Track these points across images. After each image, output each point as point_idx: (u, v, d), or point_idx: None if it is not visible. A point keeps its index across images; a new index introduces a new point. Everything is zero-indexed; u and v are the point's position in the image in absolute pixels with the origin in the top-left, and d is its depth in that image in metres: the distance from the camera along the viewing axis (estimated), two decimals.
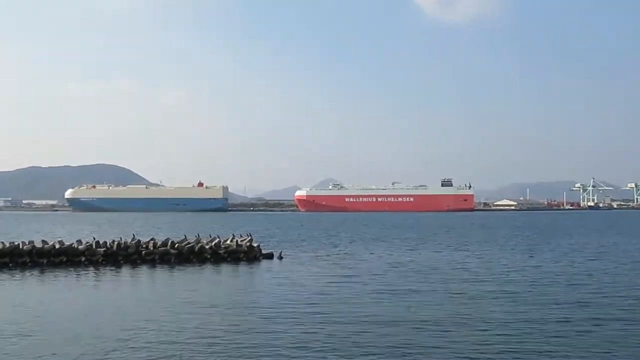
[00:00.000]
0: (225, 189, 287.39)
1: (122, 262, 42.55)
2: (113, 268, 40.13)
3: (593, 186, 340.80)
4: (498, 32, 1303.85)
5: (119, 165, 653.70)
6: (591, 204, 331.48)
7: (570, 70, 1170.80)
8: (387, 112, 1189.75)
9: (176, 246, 44.51)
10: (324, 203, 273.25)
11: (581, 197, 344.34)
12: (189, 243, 45.65)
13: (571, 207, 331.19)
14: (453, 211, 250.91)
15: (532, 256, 48.65)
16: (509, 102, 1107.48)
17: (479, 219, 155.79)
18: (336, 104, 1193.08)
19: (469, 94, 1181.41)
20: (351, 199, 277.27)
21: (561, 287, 31.37)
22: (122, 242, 44.90)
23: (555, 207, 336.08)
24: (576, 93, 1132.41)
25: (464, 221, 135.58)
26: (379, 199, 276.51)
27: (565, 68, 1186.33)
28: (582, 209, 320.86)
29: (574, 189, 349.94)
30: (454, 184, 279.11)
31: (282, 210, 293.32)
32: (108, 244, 44.43)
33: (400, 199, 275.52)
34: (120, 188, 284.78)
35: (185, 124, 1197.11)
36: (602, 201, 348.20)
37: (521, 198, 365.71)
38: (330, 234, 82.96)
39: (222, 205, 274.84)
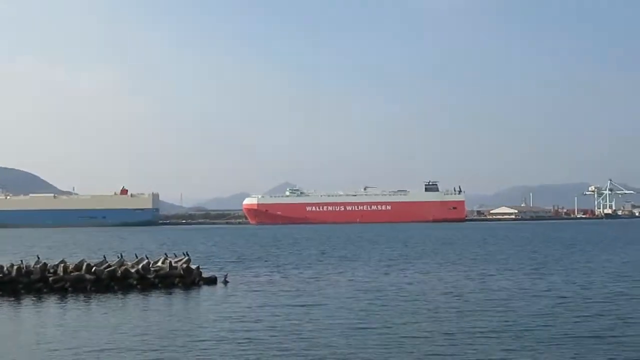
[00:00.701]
0: (155, 197, 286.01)
1: (22, 291, 42.19)
2: (11, 299, 39.73)
3: (610, 190, 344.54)
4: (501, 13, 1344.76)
5: (22, 170, 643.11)
6: (608, 211, 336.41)
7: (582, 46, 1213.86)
8: (355, 100, 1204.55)
9: (93, 270, 44.45)
10: (279, 213, 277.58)
11: (596, 203, 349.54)
12: (109, 266, 45.69)
13: (584, 216, 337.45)
14: (440, 222, 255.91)
15: (540, 277, 49.87)
16: (505, 86, 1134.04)
17: (472, 231, 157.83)
18: (292, 90, 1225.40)
19: (455, 76, 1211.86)
20: (313, 208, 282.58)
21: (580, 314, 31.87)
22: (24, 266, 44.50)
23: (564, 215, 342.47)
24: (590, 75, 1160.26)
25: (454, 235, 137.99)
26: (349, 208, 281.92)
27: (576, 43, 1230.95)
28: (597, 217, 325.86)
29: (587, 193, 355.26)
30: (440, 189, 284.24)
31: (227, 223, 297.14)
32: (5, 268, 43.98)
33: (374, 207, 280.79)
34: (21, 197, 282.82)
35: (107, 115, 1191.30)
36: (622, 208, 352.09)
37: (523, 204, 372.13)
38: (289, 251, 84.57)
39: (151, 218, 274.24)
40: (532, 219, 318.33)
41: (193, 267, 47.15)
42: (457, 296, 39.48)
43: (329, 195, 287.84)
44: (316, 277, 51.33)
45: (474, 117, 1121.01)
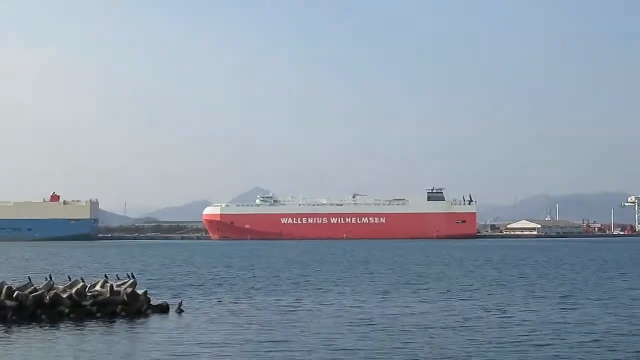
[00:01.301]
0: (94, 205, 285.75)
1: None
2: None
3: None
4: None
5: None
6: None
7: None
8: (341, 85, 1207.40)
9: (15, 295, 43.72)
10: (248, 227, 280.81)
11: (637, 217, 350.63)
12: (35, 290, 44.98)
13: (622, 232, 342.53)
14: (446, 238, 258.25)
15: (573, 308, 49.37)
16: (523, 77, 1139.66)
17: (486, 250, 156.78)
18: (258, 72, 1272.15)
19: (460, 60, 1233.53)
20: (290, 220, 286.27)
21: None
22: None
23: (598, 232, 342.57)
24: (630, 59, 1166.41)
25: (464, 255, 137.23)
26: (334, 220, 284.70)
27: None
28: (639, 234, 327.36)
29: (626, 205, 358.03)
30: (446, 197, 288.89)
31: (184, 238, 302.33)
32: None
33: (365, 220, 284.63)
34: None
35: (38, 106, 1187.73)
36: None
37: (547, 218, 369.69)
38: (262, 274, 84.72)
39: (90, 231, 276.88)
40: (558, 235, 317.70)
41: (140, 292, 47.07)
42: (469, 331, 38.80)
43: (309, 205, 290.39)
44: (294, 307, 50.99)
45: (486, 114, 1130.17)
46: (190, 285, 68.70)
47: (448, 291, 61.56)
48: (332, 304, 52.10)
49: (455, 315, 45.66)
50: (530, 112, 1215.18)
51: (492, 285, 68.20)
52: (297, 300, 55.07)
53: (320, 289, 64.58)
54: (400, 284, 69.72)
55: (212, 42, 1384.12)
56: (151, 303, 47.05)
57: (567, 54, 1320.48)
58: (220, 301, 54.29)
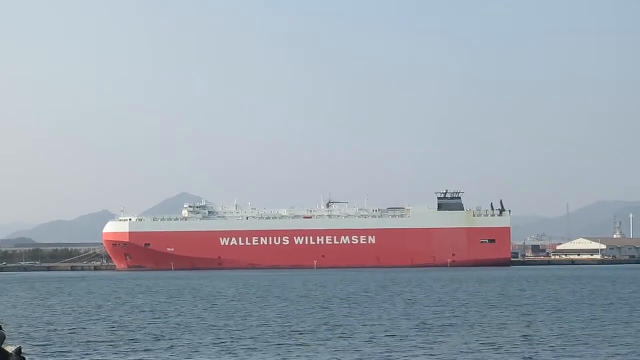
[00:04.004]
0: None
1: None
2: None
3: None
4: None
5: None
6: None
7: None
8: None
9: None
10: (170, 250, 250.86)
11: None
12: None
13: None
14: (466, 265, 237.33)
15: None
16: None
17: (532, 285, 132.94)
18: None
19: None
20: (233, 241, 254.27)
21: None
22: None
23: None
24: None
25: (501, 290, 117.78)
26: (298, 240, 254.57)
27: None
28: None
29: None
30: (466, 205, 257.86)
31: (74, 268, 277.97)
32: None
33: (345, 239, 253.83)
34: None
35: None
36: None
37: (616, 234, 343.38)
38: (190, 326, 69.94)
39: None
40: (631, 260, 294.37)
41: (10, 349, 36.52)
42: None
43: (261, 218, 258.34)
44: None
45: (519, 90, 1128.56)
46: (82, 342, 58.92)
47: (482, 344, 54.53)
48: None
49: None
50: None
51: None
52: None
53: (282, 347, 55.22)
54: (405, 336, 59.61)
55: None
56: None
57: None
58: None
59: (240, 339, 61.13)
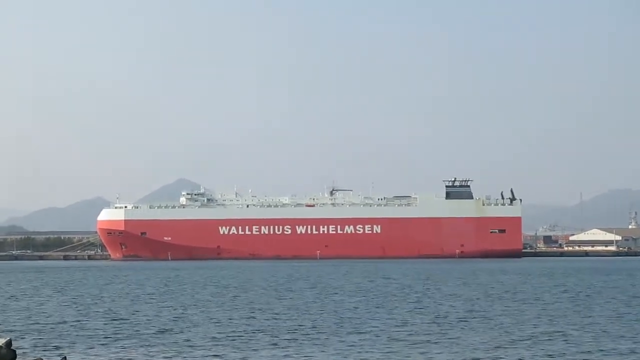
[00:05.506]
0: None
1: None
2: None
3: None
4: None
5: None
6: None
7: None
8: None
9: None
10: (167, 239, 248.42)
11: None
12: None
13: None
14: (475, 257, 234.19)
15: None
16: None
17: (549, 280, 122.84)
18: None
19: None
20: (233, 230, 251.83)
21: None
22: None
23: None
24: None
25: (517, 286, 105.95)
26: (301, 229, 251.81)
27: None
28: None
29: None
30: (475, 194, 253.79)
31: (67, 257, 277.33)
32: None
33: (350, 229, 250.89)
34: None
35: None
36: None
37: (631, 225, 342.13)
38: (196, 316, 68.92)
39: None
40: None
41: (0, 341, 38.60)
42: None
43: (262, 206, 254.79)
44: None
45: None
46: (83, 334, 56.94)
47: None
48: None
49: None
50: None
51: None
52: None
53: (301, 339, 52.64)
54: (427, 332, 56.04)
55: None
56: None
57: None
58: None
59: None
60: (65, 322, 65.45)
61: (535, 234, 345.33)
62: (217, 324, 62.66)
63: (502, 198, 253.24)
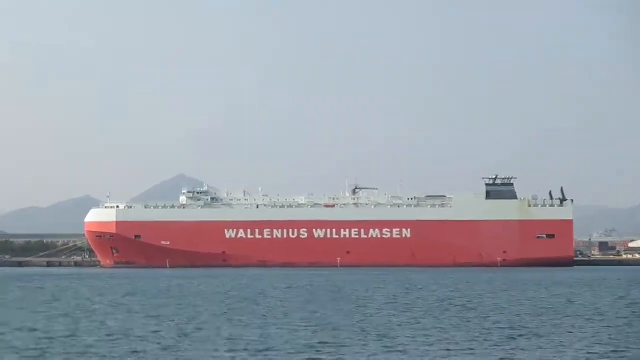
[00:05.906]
0: None
1: None
2: None
3: None
4: None
5: None
6: None
7: None
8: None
9: None
10: (165, 243, 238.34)
11: None
12: None
13: None
14: (519, 265, 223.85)
15: None
16: None
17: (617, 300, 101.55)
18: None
19: None
20: (241, 233, 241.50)
21: None
22: None
23: None
24: None
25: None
26: (319, 233, 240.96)
27: None
28: None
29: None
30: (519, 193, 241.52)
31: (49, 264, 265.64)
32: None
33: (375, 233, 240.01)
34: None
35: None
36: None
37: None
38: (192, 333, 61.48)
39: None
40: None
41: None
42: None
43: (274, 207, 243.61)
44: None
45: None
46: None
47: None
48: None
49: None
50: None
51: None
52: None
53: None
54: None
55: None
56: None
57: None
58: None
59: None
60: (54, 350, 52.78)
61: (590, 239, 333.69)
62: None
63: (551, 198, 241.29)
